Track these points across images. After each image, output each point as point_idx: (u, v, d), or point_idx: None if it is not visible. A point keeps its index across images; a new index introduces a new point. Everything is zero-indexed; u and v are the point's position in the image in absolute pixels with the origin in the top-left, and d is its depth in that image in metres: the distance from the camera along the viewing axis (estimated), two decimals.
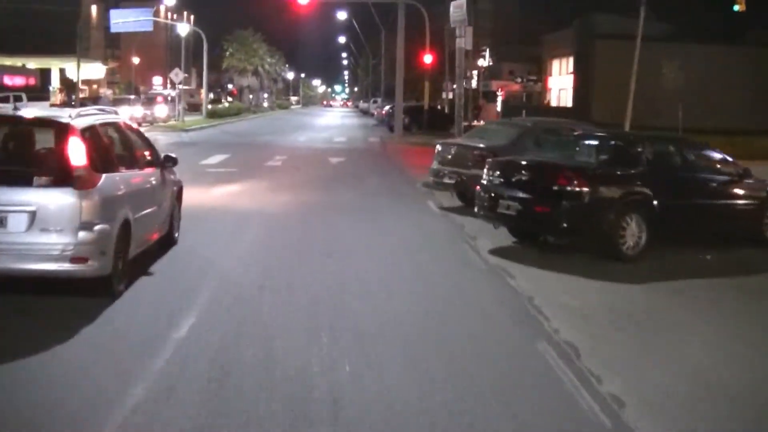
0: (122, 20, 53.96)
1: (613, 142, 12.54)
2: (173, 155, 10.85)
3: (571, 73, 71.26)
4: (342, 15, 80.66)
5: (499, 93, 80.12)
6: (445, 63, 63.23)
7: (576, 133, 13.78)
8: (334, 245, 11.82)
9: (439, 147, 16.81)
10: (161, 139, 36.53)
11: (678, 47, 61.50)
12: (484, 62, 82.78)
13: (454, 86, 68.05)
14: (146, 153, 10.20)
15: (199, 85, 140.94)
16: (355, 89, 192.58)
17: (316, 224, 13.86)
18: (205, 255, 10.64)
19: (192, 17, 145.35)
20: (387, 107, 66.94)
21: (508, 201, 11.37)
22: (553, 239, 11.88)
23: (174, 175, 11.08)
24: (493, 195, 11.72)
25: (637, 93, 56.07)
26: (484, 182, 12.12)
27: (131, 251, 8.64)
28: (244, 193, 17.93)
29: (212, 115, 59.34)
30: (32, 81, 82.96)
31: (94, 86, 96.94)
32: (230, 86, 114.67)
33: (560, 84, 75.97)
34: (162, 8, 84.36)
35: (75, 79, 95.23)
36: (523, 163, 11.88)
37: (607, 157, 11.90)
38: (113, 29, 55.26)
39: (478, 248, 11.82)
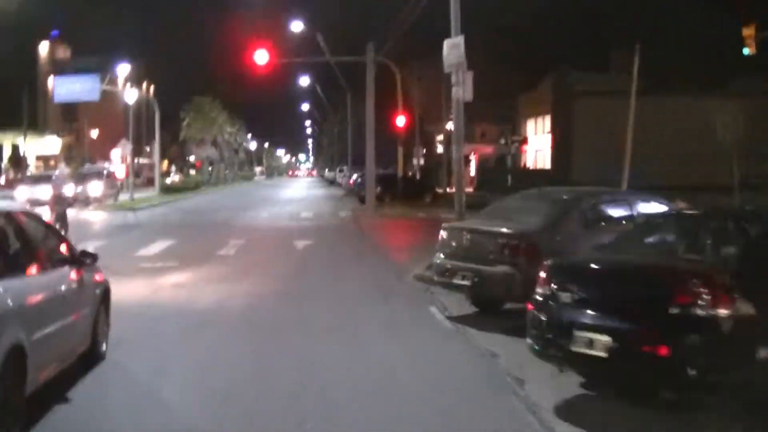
0: (67, 89, 49.84)
1: (737, 223, 8.01)
2: (91, 250, 8.87)
3: (548, 132, 67.67)
4: (305, 81, 77.28)
5: (471, 157, 76.46)
6: (415, 126, 59.78)
7: (662, 211, 9.44)
8: (300, 416, 7.21)
9: (444, 233, 12.27)
10: (100, 222, 32.09)
11: (665, 100, 59.05)
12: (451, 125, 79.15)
13: (423, 151, 64.86)
14: (54, 249, 8.23)
15: (162, 158, 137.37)
16: (320, 157, 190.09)
17: (272, 360, 9.31)
18: (135, 379, 8.50)
19: (151, 87, 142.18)
20: (355, 176, 62.88)
21: (590, 333, 6.88)
22: (674, 393, 7.24)
23: (98, 273, 9.09)
24: (562, 323, 7.21)
25: (619, 152, 52.81)
26: (542, 299, 7.62)
27: (29, 384, 6.54)
28: (183, 298, 13.39)
29: (167, 190, 54.79)
30: None
31: (51, 162, 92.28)
32: (192, 158, 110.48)
33: (536, 145, 72.38)
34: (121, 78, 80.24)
35: (26, 155, 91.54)
36: (610, 267, 7.43)
37: (743, 250, 7.32)
38: (57, 99, 51.11)
39: (535, 405, 7.37)
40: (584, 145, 60.59)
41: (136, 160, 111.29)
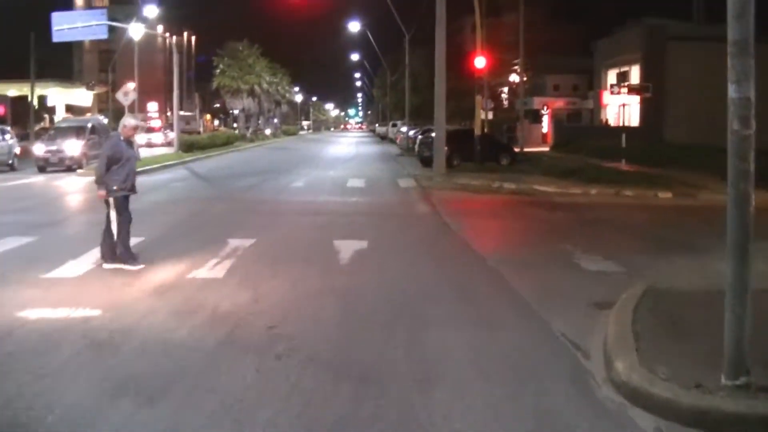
0: (68, 26, 41.01)
1: None
2: None
3: (636, 84, 57.48)
4: (355, 26, 68.15)
5: (545, 111, 66.62)
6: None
7: None
8: None
9: None
10: (64, 194, 23.49)
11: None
12: (516, 78, 69.46)
13: (492, 104, 55.10)
14: None
15: (204, 111, 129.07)
16: (369, 112, 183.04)
17: None
18: None
19: (193, 37, 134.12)
20: (412, 131, 53.50)
21: None
22: None
23: None
24: None
25: (711, 108, 43.83)
26: None
27: None
28: None
29: (190, 147, 46.00)
30: (0, 109, 72.78)
31: (87, 114, 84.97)
32: (235, 111, 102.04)
33: (620, 98, 62.25)
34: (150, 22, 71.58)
35: (53, 106, 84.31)
36: None
37: None
38: (56, 38, 41.89)
39: None
40: (678, 99, 50.99)
41: (168, 112, 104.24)
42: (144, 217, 16.95)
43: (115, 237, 11.38)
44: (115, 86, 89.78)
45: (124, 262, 11.24)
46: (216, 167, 36.30)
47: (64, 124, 38.22)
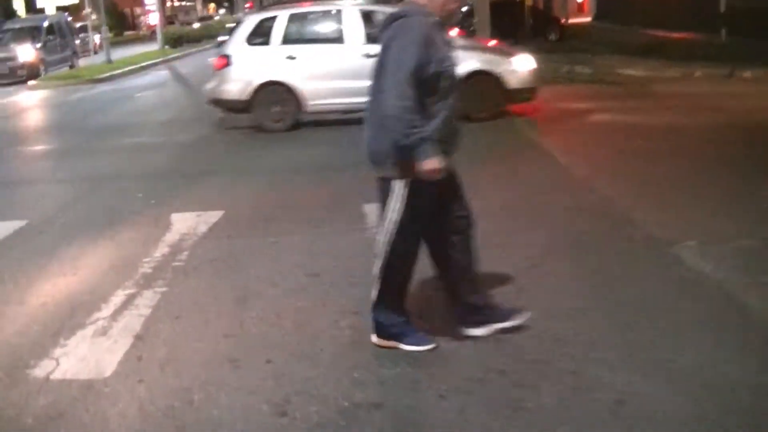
0: None
1: None
2: None
3: None
4: None
5: None
6: None
7: None
8: None
9: None
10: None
11: None
12: None
13: None
14: None
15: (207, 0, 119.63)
16: None
17: None
18: None
19: None
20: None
21: None
22: None
23: None
24: None
25: None
26: None
27: None
28: None
29: (177, 41, 39.90)
30: None
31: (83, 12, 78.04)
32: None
33: None
34: None
35: (42, 7, 77.25)
36: None
37: None
38: None
39: None
40: None
41: (168, 3, 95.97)
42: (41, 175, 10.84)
43: (377, 269, 4.53)
44: None
45: (394, 337, 4.53)
46: (206, 64, 29.86)
47: (16, 25, 32.05)
